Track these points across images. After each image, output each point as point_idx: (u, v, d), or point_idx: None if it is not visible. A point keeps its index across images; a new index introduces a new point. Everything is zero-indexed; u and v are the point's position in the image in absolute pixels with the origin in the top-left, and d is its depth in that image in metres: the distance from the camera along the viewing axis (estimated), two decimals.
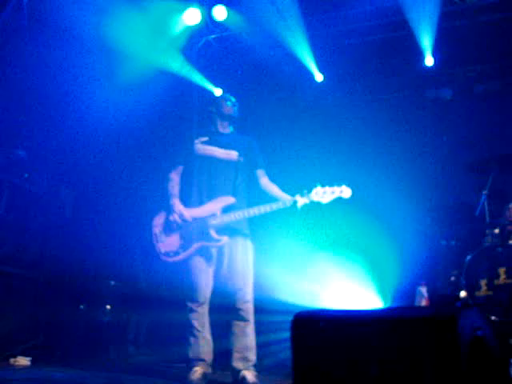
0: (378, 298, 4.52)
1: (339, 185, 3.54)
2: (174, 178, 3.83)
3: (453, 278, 4.72)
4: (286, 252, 4.51)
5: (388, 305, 4.60)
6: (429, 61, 5.60)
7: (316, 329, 2.37)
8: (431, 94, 6.01)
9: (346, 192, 3.53)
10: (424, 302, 4.50)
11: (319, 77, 5.97)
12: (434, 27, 5.22)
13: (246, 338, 3.59)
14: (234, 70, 6.13)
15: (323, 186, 3.55)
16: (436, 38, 5.42)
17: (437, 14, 5.13)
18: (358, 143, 5.58)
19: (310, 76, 5.96)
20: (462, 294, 4.46)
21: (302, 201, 3.53)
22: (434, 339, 2.19)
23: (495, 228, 4.46)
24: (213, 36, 6.14)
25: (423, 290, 4.54)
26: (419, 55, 5.65)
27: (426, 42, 5.41)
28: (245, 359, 3.59)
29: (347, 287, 4.41)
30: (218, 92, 5.88)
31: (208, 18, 5.83)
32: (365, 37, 5.77)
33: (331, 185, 3.54)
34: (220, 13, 5.73)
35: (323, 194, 3.51)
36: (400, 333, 2.25)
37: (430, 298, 4.51)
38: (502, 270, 4.31)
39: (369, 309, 2.41)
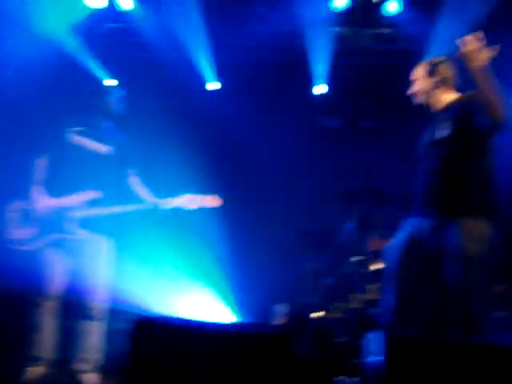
0: (232, 312, 4.56)
1: (208, 194, 3.54)
2: (41, 165, 3.61)
3: (313, 300, 4.90)
4: (147, 255, 4.43)
5: (243, 321, 4.67)
6: (321, 89, 5.86)
7: (152, 335, 2.33)
8: (324, 122, 6.29)
9: (213, 201, 3.54)
10: (280, 321, 4.62)
11: (215, 85, 6.01)
12: (328, 59, 5.48)
13: (91, 338, 3.45)
14: (130, 63, 5.97)
15: (193, 193, 3.53)
16: (331, 70, 5.69)
17: (330, 47, 5.40)
18: (238, 157, 5.66)
19: (204, 83, 5.98)
20: (318, 314, 4.67)
21: (168, 205, 3.49)
22: (267, 356, 2.23)
23: (356, 256, 4.73)
24: (115, 25, 5.97)
25: (281, 308, 4.67)
26: (314, 82, 5.89)
27: (320, 71, 5.65)
28: (86, 360, 3.44)
29: (203, 299, 4.41)
30: (110, 83, 5.69)
31: (113, 5, 5.68)
32: (266, 55, 5.91)
33: (201, 193, 3.53)
34: (126, 2, 5.61)
35: (190, 201, 3.49)
36: (234, 347, 2.27)
37: (287, 317, 4.65)
38: (354, 296, 4.57)
39: (211, 321, 2.41)
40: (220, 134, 5.99)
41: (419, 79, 2.99)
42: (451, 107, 2.87)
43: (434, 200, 2.75)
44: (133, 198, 3.58)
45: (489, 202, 2.71)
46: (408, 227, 2.82)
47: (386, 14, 5.69)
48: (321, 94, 5.96)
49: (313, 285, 4.81)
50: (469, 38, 2.58)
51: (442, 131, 2.84)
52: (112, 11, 5.72)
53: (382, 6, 5.63)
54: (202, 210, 3.51)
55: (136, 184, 3.70)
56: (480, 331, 2.53)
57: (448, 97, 2.95)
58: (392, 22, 5.75)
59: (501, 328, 4.31)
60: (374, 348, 1.94)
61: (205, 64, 5.96)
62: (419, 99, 3.01)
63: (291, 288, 5.04)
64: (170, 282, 4.33)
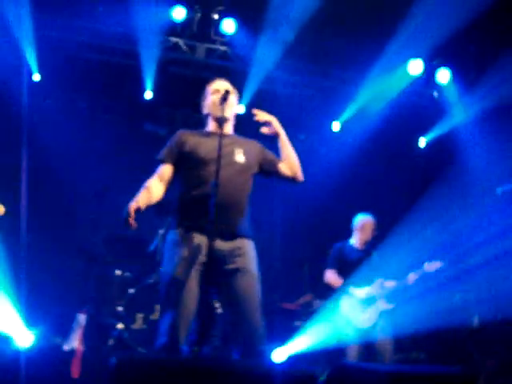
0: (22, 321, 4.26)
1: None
2: None
3: (119, 309, 4.79)
4: None
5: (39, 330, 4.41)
6: (148, 95, 5.84)
7: None
8: (148, 127, 6.25)
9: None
10: (79, 330, 4.46)
11: (36, 76, 5.66)
12: (155, 66, 5.48)
13: None
14: None
15: None
16: (159, 77, 5.69)
17: (158, 55, 5.41)
18: (49, 156, 5.40)
19: (28, 72, 5.61)
20: (119, 325, 4.59)
21: None
22: None
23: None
24: None
25: (82, 317, 4.51)
26: (142, 87, 5.83)
27: (148, 77, 5.63)
28: None
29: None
30: None
31: None
32: (94, 54, 5.72)
33: None
34: None
35: None
36: None
37: (87, 325, 4.50)
38: (158, 307, 4.57)
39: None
40: (40, 127, 5.63)
41: (231, 93, 2.95)
42: (242, 141, 3.03)
43: (225, 221, 2.73)
44: None
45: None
46: (188, 244, 2.74)
47: (223, 32, 5.85)
48: (148, 100, 5.92)
49: (118, 294, 4.70)
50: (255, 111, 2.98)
51: (237, 155, 2.92)
52: None
53: (220, 24, 5.79)
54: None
55: None
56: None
57: (231, 128, 3.09)
58: (227, 40, 5.93)
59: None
60: None
61: (30, 55, 5.57)
62: (220, 111, 2.90)
63: (98, 295, 4.89)
64: None
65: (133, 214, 2.68)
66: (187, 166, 2.90)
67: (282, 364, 4.70)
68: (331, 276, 4.74)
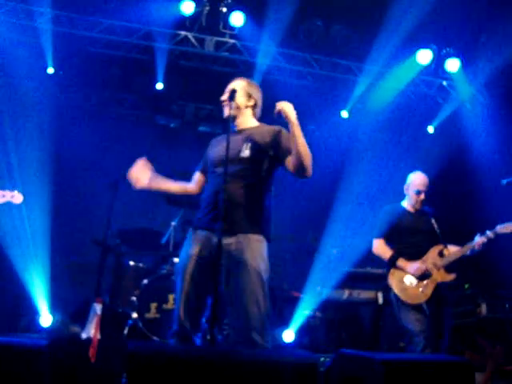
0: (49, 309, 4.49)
1: (12, 189, 3.44)
2: None
3: (133, 298, 4.94)
4: None
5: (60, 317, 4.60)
6: (159, 86, 5.95)
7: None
8: (160, 120, 6.37)
9: (17, 198, 3.45)
10: (96, 319, 4.60)
11: (50, 70, 5.81)
12: (166, 60, 5.58)
13: None
14: None
15: None
16: (170, 71, 5.78)
17: (168, 49, 5.51)
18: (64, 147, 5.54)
19: (42, 65, 5.75)
20: (134, 314, 4.74)
21: None
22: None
23: (176, 257, 4.86)
24: None
25: (98, 306, 4.65)
26: (153, 81, 5.93)
27: (159, 71, 5.73)
28: None
29: None
30: None
31: None
32: (105, 49, 5.82)
33: (2, 188, 3.42)
34: None
35: None
36: None
37: (103, 315, 4.64)
38: (171, 296, 4.71)
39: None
40: (55, 121, 5.78)
41: (238, 92, 3.04)
42: (255, 132, 3.07)
43: (230, 217, 2.82)
44: None
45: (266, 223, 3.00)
46: (196, 241, 2.90)
47: (231, 25, 5.91)
48: (160, 94, 6.02)
49: (132, 284, 4.85)
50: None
51: (244, 151, 3.00)
52: None
53: (228, 17, 5.84)
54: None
55: None
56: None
57: (252, 121, 3.17)
58: (235, 33, 5.99)
59: None
60: None
61: (47, 49, 5.71)
62: (227, 110, 3.05)
63: (113, 285, 5.05)
64: None
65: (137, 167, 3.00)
66: (207, 170, 3.16)
67: (290, 346, 4.93)
68: (379, 246, 4.17)
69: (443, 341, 3.93)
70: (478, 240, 3.90)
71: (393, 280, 4.06)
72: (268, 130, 3.09)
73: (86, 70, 5.98)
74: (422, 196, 4.16)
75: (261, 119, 3.21)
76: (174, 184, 3.18)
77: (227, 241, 2.85)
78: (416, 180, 4.21)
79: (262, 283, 2.86)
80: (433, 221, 4.16)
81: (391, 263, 4.08)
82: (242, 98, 3.14)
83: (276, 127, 3.08)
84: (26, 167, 5.31)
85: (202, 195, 3.07)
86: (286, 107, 2.90)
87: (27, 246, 4.97)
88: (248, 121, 3.16)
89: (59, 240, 5.43)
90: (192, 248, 2.89)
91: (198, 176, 3.24)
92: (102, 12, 5.67)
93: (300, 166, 2.90)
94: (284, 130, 3.03)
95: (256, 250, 2.90)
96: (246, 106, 3.16)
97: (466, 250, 3.96)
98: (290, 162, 2.95)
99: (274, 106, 2.94)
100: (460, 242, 4.03)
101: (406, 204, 4.26)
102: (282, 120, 2.91)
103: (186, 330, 2.80)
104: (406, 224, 4.15)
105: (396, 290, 4.02)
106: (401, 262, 4.04)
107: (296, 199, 6.12)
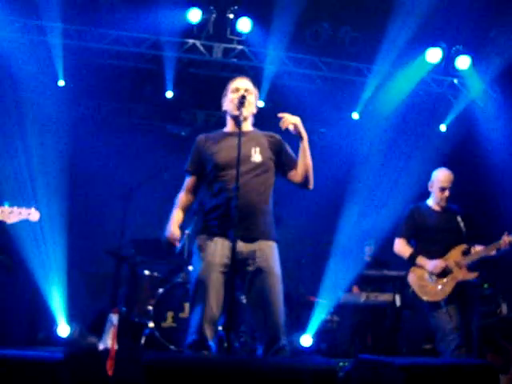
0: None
1: (28, 207, 3.46)
2: None
3: (149, 308, 4.95)
4: None
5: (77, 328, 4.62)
6: (169, 94, 5.96)
7: None
8: (171, 129, 6.38)
9: (34, 215, 3.46)
10: (113, 330, 4.62)
11: (61, 82, 5.87)
12: (175, 69, 5.60)
13: None
14: None
15: (11, 205, 3.42)
16: (179, 79, 5.80)
17: (177, 57, 5.52)
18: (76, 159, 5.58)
19: (53, 78, 5.81)
20: (150, 324, 4.74)
21: None
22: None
23: (191, 265, 4.85)
24: None
25: (114, 317, 4.66)
26: (163, 90, 5.96)
27: (169, 80, 5.75)
28: None
29: None
30: None
31: None
32: (115, 59, 5.86)
33: (20, 205, 3.44)
34: None
35: (9, 214, 3.39)
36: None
37: (119, 325, 4.65)
38: (186, 305, 4.70)
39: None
40: (64, 134, 5.83)
41: (249, 94, 3.03)
42: (256, 136, 3.07)
43: (248, 224, 2.83)
44: None
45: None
46: (215, 249, 2.85)
47: (239, 31, 5.92)
48: (170, 102, 6.04)
49: (148, 293, 4.86)
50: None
51: (254, 156, 2.98)
52: None
53: (235, 23, 5.85)
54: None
55: None
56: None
57: (250, 124, 3.14)
58: (243, 39, 6.00)
59: None
60: None
61: (57, 63, 5.78)
62: (237, 112, 2.97)
63: (128, 295, 5.06)
64: None
65: (174, 242, 2.90)
66: (209, 171, 3.00)
67: (308, 351, 4.91)
68: (400, 246, 4.09)
69: (473, 341, 3.84)
70: (506, 239, 3.77)
71: (412, 277, 4.01)
72: (265, 135, 3.11)
73: (96, 81, 6.02)
74: (447, 193, 4.06)
75: (266, 124, 3.21)
76: (182, 213, 3.05)
77: (249, 248, 2.87)
78: (440, 176, 4.11)
79: (281, 289, 2.91)
80: (458, 219, 4.07)
81: (411, 261, 4.03)
82: (252, 102, 3.13)
83: (272, 134, 3.12)
84: (40, 180, 5.36)
85: (210, 201, 2.95)
86: (298, 122, 2.93)
87: (44, 258, 5.01)
88: (249, 124, 3.16)
89: (75, 251, 5.46)
90: (212, 256, 2.85)
91: (191, 181, 3.08)
92: (110, 23, 5.71)
93: (307, 178, 3.02)
94: (283, 141, 3.10)
95: (276, 256, 2.95)
96: (253, 110, 3.15)
97: (492, 249, 3.84)
98: (295, 173, 3.05)
99: (282, 110, 2.95)
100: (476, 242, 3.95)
101: (431, 202, 4.16)
102: (287, 132, 2.93)
103: (206, 339, 2.78)
104: (430, 222, 4.06)
105: (414, 286, 3.98)
106: (420, 260, 3.97)
107: (310, 203, 6.08)
